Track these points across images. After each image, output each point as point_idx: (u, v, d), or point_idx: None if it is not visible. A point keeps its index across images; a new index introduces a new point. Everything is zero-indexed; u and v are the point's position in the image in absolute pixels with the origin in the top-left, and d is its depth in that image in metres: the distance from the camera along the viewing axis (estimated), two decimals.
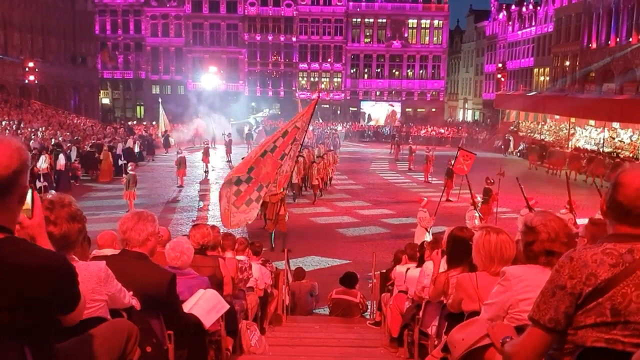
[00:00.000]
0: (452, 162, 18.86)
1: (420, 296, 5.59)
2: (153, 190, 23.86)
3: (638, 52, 34.60)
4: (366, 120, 59.42)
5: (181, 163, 25.03)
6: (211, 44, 59.35)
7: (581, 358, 2.09)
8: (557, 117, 40.82)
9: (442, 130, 51.71)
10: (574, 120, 37.87)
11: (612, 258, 2.04)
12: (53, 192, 17.55)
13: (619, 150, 32.22)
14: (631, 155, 30.81)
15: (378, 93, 61.38)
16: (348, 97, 61.03)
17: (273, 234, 15.58)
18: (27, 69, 40.20)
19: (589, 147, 34.88)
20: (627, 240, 2.06)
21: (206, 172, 28.39)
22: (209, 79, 55.73)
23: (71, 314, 2.21)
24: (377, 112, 60.54)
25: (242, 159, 16.61)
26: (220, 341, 5.12)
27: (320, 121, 51.54)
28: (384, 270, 10.05)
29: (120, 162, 27.38)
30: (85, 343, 2.55)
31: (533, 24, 52.90)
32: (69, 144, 28.25)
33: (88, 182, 26.09)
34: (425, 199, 13.86)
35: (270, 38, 59.35)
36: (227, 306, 4.65)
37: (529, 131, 45.70)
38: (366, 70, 61.61)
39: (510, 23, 57.78)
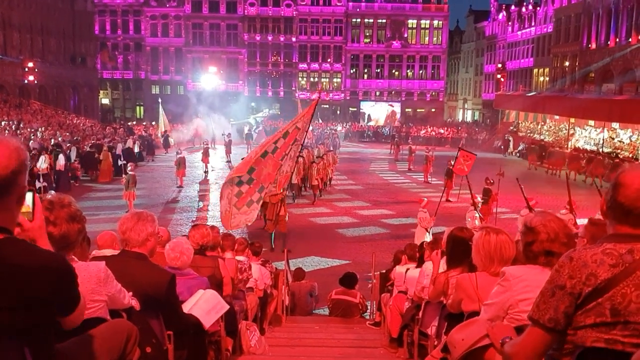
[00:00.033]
0: (452, 162, 18.85)
1: (420, 296, 5.59)
2: (152, 191, 23.86)
3: (637, 53, 34.61)
4: (366, 121, 59.44)
5: (181, 163, 25.02)
6: (211, 44, 59.35)
7: (581, 358, 2.09)
8: (556, 117, 40.84)
9: (442, 131, 51.74)
10: (574, 121, 37.88)
11: (612, 258, 2.04)
12: (52, 192, 17.56)
13: (619, 151, 32.23)
14: (631, 155, 30.81)
15: (378, 93, 61.39)
16: (348, 98, 61.04)
17: (273, 235, 15.58)
18: (26, 69, 40.20)
19: (588, 147, 34.89)
20: (627, 241, 2.06)
21: (206, 172, 28.38)
22: (209, 79, 55.73)
23: (71, 315, 2.20)
24: (377, 112, 60.56)
25: (242, 159, 16.61)
26: (219, 341, 5.12)
27: (320, 121, 51.55)
28: (384, 271, 10.05)
29: (119, 163, 27.38)
30: (85, 343, 2.55)
31: (533, 24, 52.92)
32: (68, 144, 28.25)
33: (88, 183, 26.09)
34: (426, 199, 13.87)
35: (270, 38, 59.36)
36: (227, 306, 4.65)
37: (528, 131, 45.71)
38: (366, 70, 61.63)
39: (509, 23, 57.80)
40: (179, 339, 3.89)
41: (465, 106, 69.20)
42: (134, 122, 52.80)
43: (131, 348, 2.85)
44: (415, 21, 60.27)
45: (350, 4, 59.18)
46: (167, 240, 5.26)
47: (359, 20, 60.12)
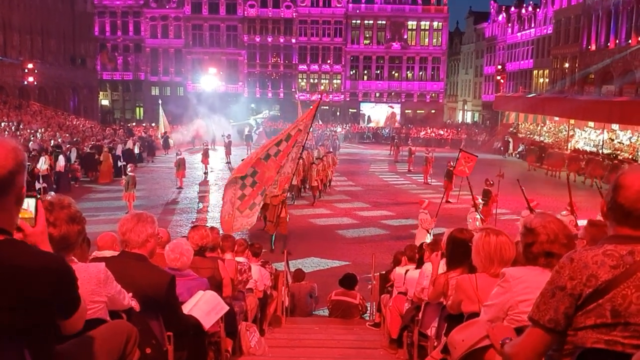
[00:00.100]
0: (453, 164, 18.83)
1: (420, 297, 5.59)
2: (152, 192, 23.84)
3: (637, 54, 34.62)
4: (366, 122, 59.47)
5: (180, 164, 25.01)
6: (211, 45, 59.39)
7: (581, 359, 2.09)
8: (556, 118, 40.84)
9: (442, 132, 51.81)
10: (573, 122, 37.89)
11: (613, 259, 2.04)
12: (52, 193, 17.56)
13: (618, 152, 32.23)
14: (630, 156, 30.81)
15: (377, 94, 61.41)
16: (347, 99, 61.07)
17: (274, 236, 15.57)
18: (26, 70, 40.20)
19: (588, 148, 34.90)
20: (627, 242, 2.06)
21: (205, 173, 28.38)
22: (209, 80, 55.73)
23: (71, 319, 2.20)
24: (377, 113, 60.60)
25: (242, 160, 16.61)
26: (219, 342, 5.11)
27: (320, 123, 51.55)
28: (384, 272, 10.05)
29: (119, 164, 27.39)
30: (85, 344, 2.55)
31: (532, 25, 52.95)
32: (68, 146, 28.26)
33: (88, 184, 26.08)
34: (426, 200, 13.86)
35: (269, 39, 59.39)
36: (227, 307, 4.65)
37: (528, 133, 45.70)
38: (365, 71, 61.66)
39: (509, 25, 57.85)
40: (179, 340, 3.89)
41: (465, 107, 69.23)
42: (134, 124, 52.85)
43: (131, 349, 2.85)
44: (415, 22, 60.30)
45: (350, 5, 59.23)
46: (167, 241, 5.26)
47: (358, 21, 60.15)
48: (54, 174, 23.06)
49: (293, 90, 60.14)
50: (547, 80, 49.67)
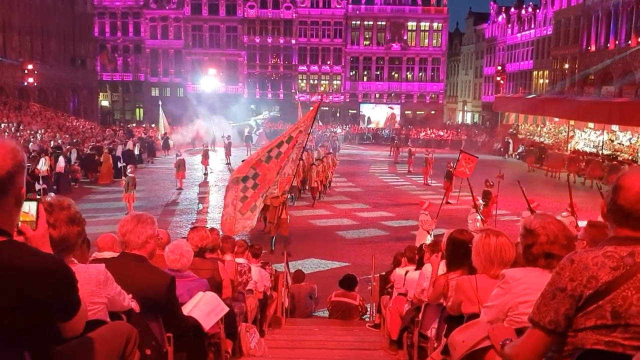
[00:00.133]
0: (454, 165, 18.83)
1: (420, 299, 5.59)
2: (152, 193, 23.83)
3: (637, 55, 34.63)
4: (365, 123, 59.47)
5: (180, 165, 25.00)
6: (210, 46, 59.40)
7: None
8: (556, 119, 40.85)
9: (442, 133, 51.85)
10: (573, 123, 37.90)
11: (613, 261, 2.04)
12: (52, 194, 17.58)
13: (618, 153, 32.24)
14: (630, 157, 30.82)
15: (377, 95, 61.41)
16: (347, 100, 61.07)
17: (274, 238, 15.56)
18: (26, 72, 40.20)
19: (588, 149, 34.91)
20: (628, 243, 2.06)
21: (205, 174, 28.38)
22: (208, 81, 55.74)
23: (71, 321, 2.20)
24: (377, 114, 60.60)
25: (242, 161, 16.60)
26: (219, 344, 5.11)
27: (320, 124, 51.55)
28: (384, 273, 10.04)
29: (119, 165, 27.40)
30: (84, 345, 2.55)
31: (532, 26, 52.98)
32: (68, 147, 28.26)
33: (88, 185, 26.08)
34: (427, 201, 13.86)
35: (269, 40, 59.40)
36: (227, 309, 4.65)
37: (528, 134, 45.72)
38: (365, 72, 61.67)
39: (509, 26, 57.87)
40: (179, 341, 3.88)
41: (465, 108, 69.25)
42: (134, 125, 52.84)
43: (131, 350, 2.85)
44: (414, 23, 60.31)
45: (350, 6, 59.25)
46: (167, 242, 5.26)
47: (358, 22, 60.17)
48: (54, 175, 23.06)
49: (293, 91, 60.15)
50: (547, 81, 49.68)
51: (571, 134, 38.36)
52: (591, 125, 36.18)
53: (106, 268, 3.05)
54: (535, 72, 52.35)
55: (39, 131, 32.79)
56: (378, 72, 61.37)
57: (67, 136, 33.55)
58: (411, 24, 60.40)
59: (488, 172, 20.44)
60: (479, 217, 13.24)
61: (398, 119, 59.97)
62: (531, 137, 44.26)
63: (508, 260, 3.44)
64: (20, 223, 2.09)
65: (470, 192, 13.44)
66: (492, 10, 61.82)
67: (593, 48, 40.19)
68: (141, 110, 61.32)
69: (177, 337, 3.86)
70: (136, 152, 32.64)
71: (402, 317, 6.46)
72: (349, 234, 17.81)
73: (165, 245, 4.77)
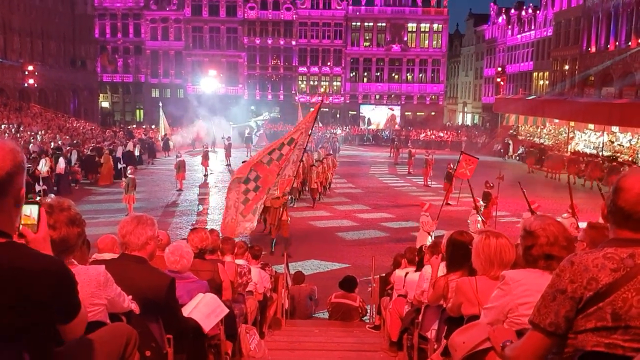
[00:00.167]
0: (454, 166, 18.81)
1: (420, 300, 5.58)
2: (152, 194, 23.84)
3: (637, 56, 34.63)
4: (366, 124, 59.46)
5: (180, 166, 25.00)
6: (211, 47, 59.42)
7: None
8: (556, 121, 40.84)
9: (442, 134, 51.83)
10: (573, 124, 37.91)
11: (613, 263, 2.04)
12: (52, 195, 17.58)
13: (618, 154, 32.25)
14: (630, 159, 30.83)
15: (377, 97, 61.42)
16: (347, 101, 61.08)
17: (275, 240, 15.54)
18: (26, 73, 40.24)
19: (588, 151, 34.91)
20: (628, 245, 2.06)
21: (205, 175, 28.39)
22: (209, 82, 55.76)
23: (71, 324, 2.20)
24: (377, 115, 60.60)
25: (243, 162, 16.59)
26: (219, 345, 5.11)
27: (320, 125, 51.55)
28: (384, 274, 10.03)
29: (119, 166, 27.40)
30: (84, 346, 2.54)
31: (532, 27, 52.99)
32: (68, 148, 28.28)
33: (88, 186, 26.09)
34: (428, 203, 13.85)
35: (269, 42, 59.42)
36: (227, 310, 4.65)
37: (528, 135, 45.73)
38: (365, 74, 61.68)
39: (509, 27, 57.88)
40: (179, 343, 3.88)
41: (465, 110, 69.26)
42: (134, 126, 52.84)
43: (131, 351, 2.85)
44: (415, 25, 60.33)
45: (350, 7, 59.29)
46: (167, 243, 5.25)
47: (358, 23, 60.19)
48: (54, 176, 23.07)
49: (293, 92, 60.17)
50: (547, 82, 49.68)
51: (571, 135, 38.37)
52: (591, 126, 36.19)
53: (106, 269, 3.05)
54: (535, 74, 52.35)
55: (39, 132, 32.80)
56: (378, 74, 61.39)
57: (67, 137, 33.56)
58: (411, 25, 60.43)
59: (488, 173, 20.44)
60: (479, 219, 13.22)
61: (398, 120, 59.97)
62: (531, 138, 44.27)
63: (508, 261, 3.44)
64: (21, 226, 2.09)
65: (471, 194, 13.43)
66: (492, 12, 61.84)
67: (593, 49, 40.20)
68: (141, 111, 61.34)
69: (177, 339, 3.85)
70: (136, 153, 32.65)
71: (402, 319, 6.46)
72: (349, 235, 17.80)
73: (165, 247, 4.77)
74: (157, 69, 60.18)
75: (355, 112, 60.88)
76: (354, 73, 61.38)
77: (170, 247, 4.62)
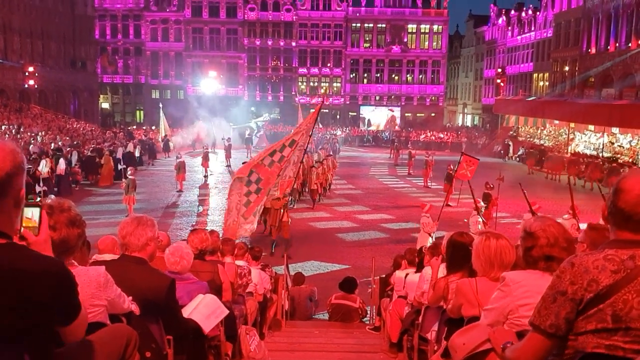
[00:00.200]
0: (455, 167, 18.81)
1: (420, 301, 5.58)
2: (152, 195, 23.84)
3: (637, 57, 34.64)
4: (366, 125, 59.46)
5: (180, 167, 25.01)
6: (211, 48, 59.43)
7: None
8: (556, 122, 40.84)
9: (442, 135, 51.84)
10: (573, 125, 37.91)
11: (614, 264, 2.04)
12: (52, 196, 17.58)
13: (619, 156, 32.25)
14: (630, 160, 30.83)
15: (377, 98, 61.42)
16: (347, 102, 61.08)
17: (275, 241, 15.54)
18: (26, 74, 40.25)
19: (588, 152, 34.91)
20: (628, 247, 2.06)
21: (205, 176, 28.39)
22: (209, 83, 55.78)
23: (72, 326, 2.20)
24: (377, 117, 60.58)
25: (243, 163, 16.59)
26: (219, 346, 5.11)
27: (320, 126, 51.54)
28: (384, 275, 10.03)
29: (120, 167, 27.41)
30: (84, 348, 2.54)
31: (532, 29, 53.00)
32: (69, 149, 28.29)
33: (88, 187, 26.09)
34: (428, 204, 13.85)
35: (269, 43, 59.43)
36: (227, 311, 4.64)
37: (528, 136, 45.74)
38: (365, 75, 61.68)
39: (509, 28, 57.89)
40: (179, 344, 3.88)
41: (465, 111, 69.26)
42: (134, 127, 52.85)
43: (131, 353, 2.85)
44: (415, 26, 60.34)
45: (350, 8, 59.29)
46: (167, 244, 5.25)
47: (358, 24, 60.20)
48: (54, 177, 23.08)
49: (293, 93, 60.17)
50: (547, 83, 49.70)
51: (571, 136, 38.38)
52: (591, 127, 36.19)
53: (106, 270, 3.05)
54: (535, 75, 52.36)
55: (40, 133, 32.81)
56: (378, 75, 61.40)
57: (67, 138, 33.57)
58: (411, 27, 60.44)
59: (488, 174, 20.45)
60: (480, 220, 13.23)
61: (398, 121, 59.94)
62: (531, 139, 44.27)
63: (508, 262, 3.43)
64: (22, 229, 2.09)
65: (472, 195, 13.43)
66: (492, 13, 61.84)
67: (593, 50, 40.21)
68: (141, 112, 61.35)
69: (177, 340, 3.85)
70: (137, 154, 32.66)
71: (402, 320, 6.46)
72: (349, 236, 17.80)
73: (166, 248, 4.77)
74: (157, 70, 60.19)
75: (355, 113, 60.89)
76: (354, 74, 61.39)
77: (170, 248, 4.62)
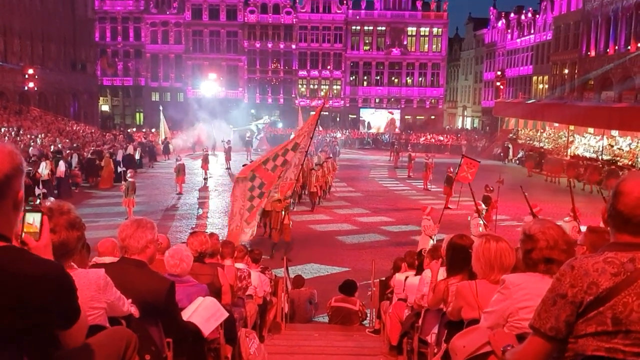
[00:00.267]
0: (455, 170, 18.80)
1: (420, 304, 5.58)
2: (152, 198, 23.84)
3: (636, 60, 34.69)
4: (365, 128, 59.49)
5: (180, 170, 25.01)
6: (211, 51, 59.48)
7: None
8: (556, 124, 40.89)
9: (442, 138, 51.87)
10: (573, 128, 37.95)
11: (614, 267, 2.04)
12: (52, 199, 17.56)
13: (618, 158, 32.26)
14: (630, 163, 30.84)
15: (377, 100, 61.47)
16: (347, 105, 61.12)
17: (276, 244, 15.52)
18: (26, 76, 40.21)
19: (587, 154, 34.93)
20: (628, 249, 2.06)
21: (205, 179, 28.38)
22: (209, 86, 55.80)
23: (71, 330, 2.19)
24: (377, 119, 60.62)
25: (243, 166, 16.59)
26: (219, 349, 5.10)
27: (320, 129, 51.53)
28: (383, 278, 10.02)
29: (120, 169, 27.40)
30: (84, 350, 2.54)
31: (532, 31, 53.06)
32: (69, 151, 28.28)
33: (88, 189, 26.09)
34: (429, 206, 13.85)
35: (269, 45, 59.48)
36: (226, 314, 4.63)
37: (528, 139, 45.76)
38: (365, 77, 61.74)
39: (509, 31, 57.95)
40: (178, 347, 3.88)
41: (465, 113, 69.30)
42: (134, 129, 52.85)
43: (130, 355, 2.84)
44: (414, 29, 60.42)
45: (350, 11, 59.36)
46: (167, 247, 5.25)
47: (358, 27, 60.27)
48: (54, 180, 23.07)
49: (293, 96, 60.21)
50: (546, 86, 49.74)
51: (571, 139, 38.39)
52: (591, 130, 36.22)
53: (106, 273, 3.04)
54: (534, 77, 52.42)
55: (39, 135, 32.79)
56: (378, 77, 61.44)
57: (67, 140, 33.55)
58: (411, 29, 60.51)
59: (488, 177, 20.45)
60: (481, 222, 13.23)
61: (398, 123, 59.99)
62: (531, 142, 44.29)
63: (508, 265, 3.43)
64: (24, 234, 2.09)
65: (472, 197, 13.43)
66: (491, 16, 61.92)
67: (593, 53, 40.25)
68: (141, 114, 61.36)
69: (177, 343, 3.85)
70: (136, 156, 32.65)
71: (402, 323, 6.45)
72: (349, 239, 17.79)
73: (165, 250, 4.76)
74: (157, 73, 60.22)
75: (355, 116, 60.93)
76: (353, 77, 61.44)
77: (170, 250, 4.61)
